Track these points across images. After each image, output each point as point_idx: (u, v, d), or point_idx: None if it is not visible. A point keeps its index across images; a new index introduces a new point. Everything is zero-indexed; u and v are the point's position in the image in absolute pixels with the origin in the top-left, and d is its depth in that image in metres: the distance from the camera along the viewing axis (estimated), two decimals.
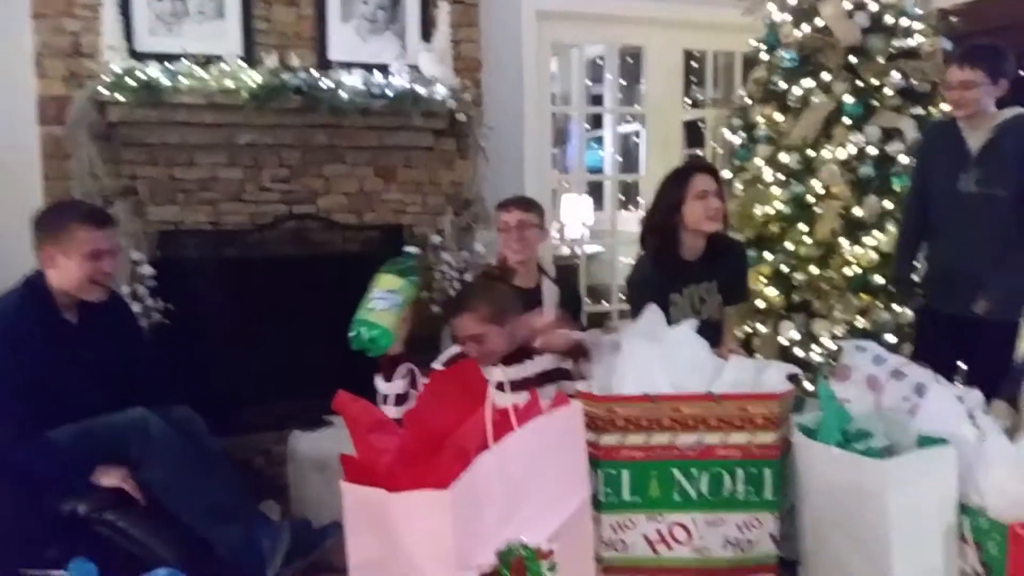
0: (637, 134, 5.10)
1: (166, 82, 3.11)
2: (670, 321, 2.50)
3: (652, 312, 2.41)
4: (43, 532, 2.23)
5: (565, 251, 5.13)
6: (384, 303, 2.11)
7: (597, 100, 5.62)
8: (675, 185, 2.80)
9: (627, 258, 5.26)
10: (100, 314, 2.45)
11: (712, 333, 2.57)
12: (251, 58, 3.37)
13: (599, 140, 5.92)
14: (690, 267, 2.84)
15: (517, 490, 1.55)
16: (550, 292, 3.00)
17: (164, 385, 2.62)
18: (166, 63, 3.16)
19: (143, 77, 3.07)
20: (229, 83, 3.20)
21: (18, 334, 2.27)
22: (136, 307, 2.92)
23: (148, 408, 2.45)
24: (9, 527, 2.19)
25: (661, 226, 2.81)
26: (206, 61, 3.24)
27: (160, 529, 2.24)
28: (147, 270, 3.02)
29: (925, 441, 2.02)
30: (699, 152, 5.00)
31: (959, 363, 3.18)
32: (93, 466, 2.28)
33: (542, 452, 1.68)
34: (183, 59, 3.20)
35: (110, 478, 2.27)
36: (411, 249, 2.32)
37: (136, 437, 2.29)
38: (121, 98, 3.06)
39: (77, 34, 3.18)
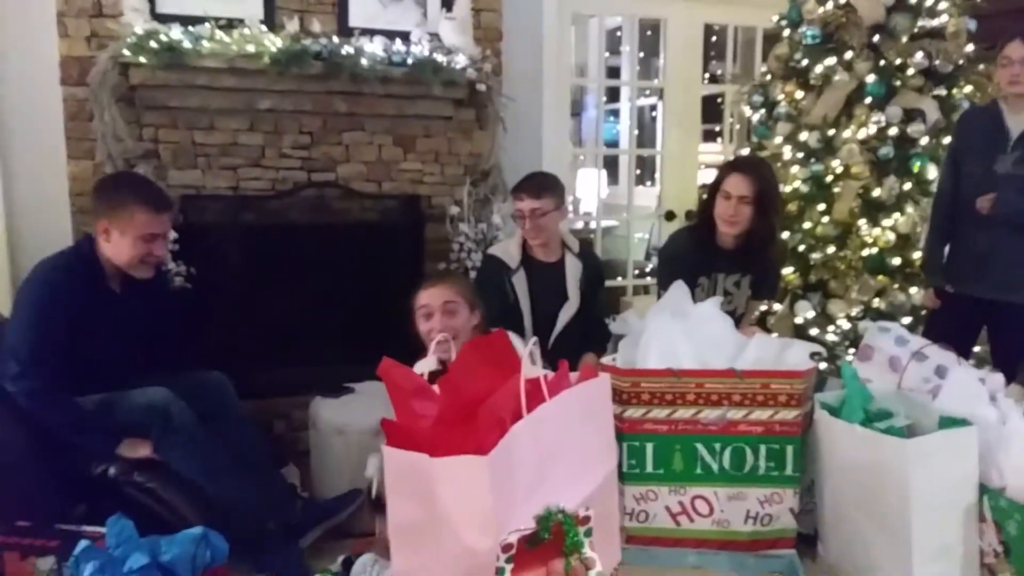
0: (654, 108, 5.08)
1: (188, 45, 3.08)
2: (693, 302, 2.52)
3: (678, 288, 2.43)
4: (73, 490, 2.26)
5: (579, 225, 5.13)
6: None
7: (614, 72, 5.58)
8: (717, 175, 2.87)
9: (642, 233, 5.27)
10: (143, 286, 2.49)
11: (735, 323, 2.59)
12: (272, 23, 3.34)
13: (615, 113, 5.89)
14: (722, 255, 2.87)
15: (549, 458, 1.58)
16: (573, 267, 3.00)
17: (196, 353, 2.66)
18: (188, 26, 3.14)
19: (165, 39, 3.04)
20: (250, 47, 3.17)
21: (62, 295, 2.30)
22: (163, 270, 2.93)
23: (181, 371, 2.49)
24: (42, 483, 2.22)
25: (701, 209, 2.87)
26: (228, 24, 3.21)
27: (186, 492, 2.27)
28: (170, 234, 3.01)
29: (947, 422, 2.05)
30: (716, 128, 4.98)
31: (975, 347, 3.20)
32: (119, 438, 2.32)
33: (572, 422, 1.70)
34: (205, 22, 3.17)
35: (136, 451, 2.32)
36: None
37: (157, 421, 2.32)
38: (143, 60, 3.03)
39: None
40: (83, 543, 1.77)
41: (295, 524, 2.49)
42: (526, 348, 1.65)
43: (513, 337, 2.36)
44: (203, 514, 2.21)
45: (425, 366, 2.40)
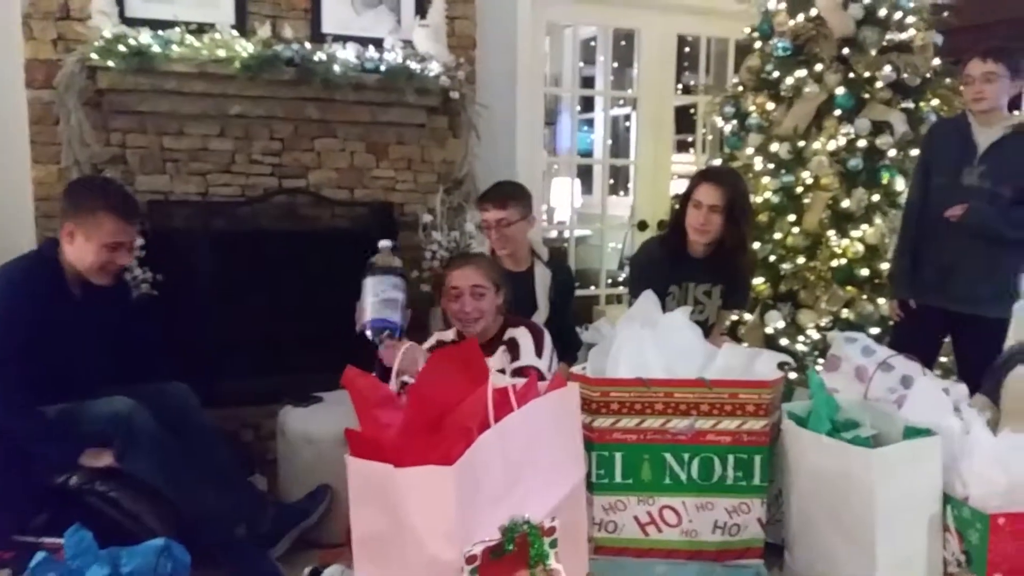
0: (628, 118, 5.10)
1: (157, 49, 3.05)
2: (663, 311, 2.53)
3: (647, 298, 2.44)
4: (33, 500, 2.21)
5: (553, 234, 5.13)
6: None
7: (588, 83, 5.61)
8: (689, 185, 2.90)
9: (616, 243, 5.29)
10: (105, 292, 2.45)
11: (706, 333, 2.61)
12: (243, 28, 3.32)
13: (590, 123, 5.90)
14: (693, 264, 2.88)
15: (516, 468, 1.57)
16: (542, 276, 3.00)
17: (159, 362, 2.62)
18: (157, 30, 3.10)
19: (134, 43, 3.01)
20: (221, 52, 3.14)
21: (22, 303, 2.26)
22: (125, 277, 2.88)
23: (144, 381, 2.45)
24: (1, 494, 2.17)
25: (673, 218, 2.89)
26: (198, 29, 3.18)
27: (151, 501, 2.23)
28: (136, 242, 2.97)
29: (911, 432, 2.07)
30: (689, 139, 5.01)
31: (940, 358, 3.24)
32: (80, 448, 2.28)
33: (540, 432, 1.69)
34: (175, 26, 3.13)
35: (99, 460, 2.27)
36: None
37: (120, 431, 2.28)
38: (111, 64, 3.00)
39: None
40: (40, 555, 1.73)
41: (266, 532, 2.45)
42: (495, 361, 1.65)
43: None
44: (168, 524, 2.17)
45: (443, 335, 2.60)
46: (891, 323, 3.41)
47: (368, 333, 2.20)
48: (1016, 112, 3.09)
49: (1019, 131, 2.91)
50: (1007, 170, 2.88)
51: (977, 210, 2.87)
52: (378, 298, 2.20)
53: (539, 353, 2.42)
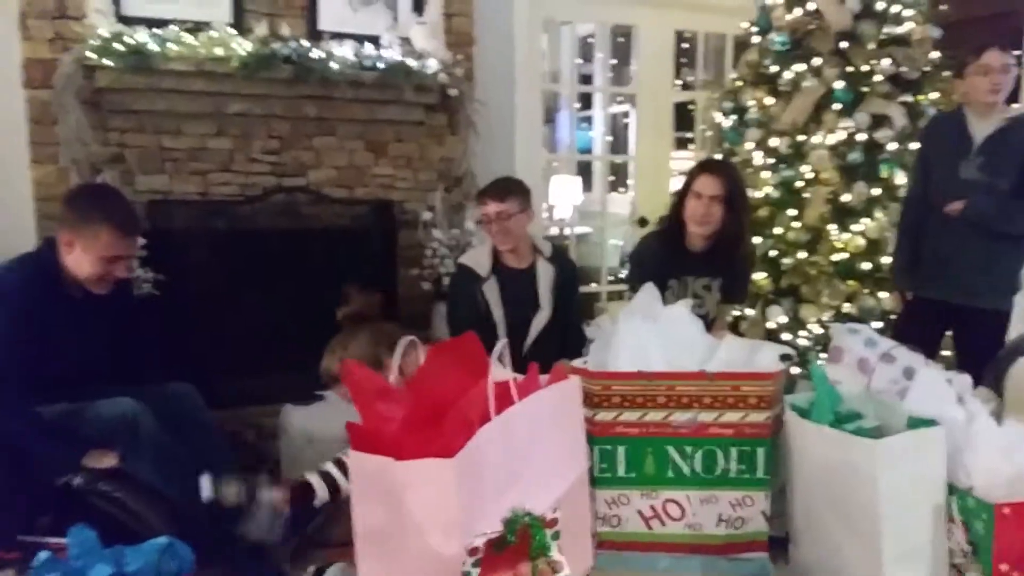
0: (627, 115, 5.10)
1: (155, 48, 3.05)
2: (663, 305, 2.52)
3: (648, 291, 2.43)
4: (36, 501, 2.20)
5: (554, 231, 5.13)
6: None
7: (587, 79, 5.60)
8: (687, 178, 2.89)
9: (616, 240, 5.28)
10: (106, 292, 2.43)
11: (706, 327, 2.59)
12: (241, 26, 3.31)
13: (589, 120, 5.90)
14: (692, 258, 2.88)
15: (517, 461, 1.57)
16: (545, 272, 2.98)
17: (160, 362, 2.61)
18: (154, 28, 3.10)
19: (131, 42, 3.01)
20: (219, 51, 3.14)
21: (19, 304, 2.24)
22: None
23: (146, 381, 2.44)
24: (5, 495, 2.17)
25: (671, 212, 2.88)
26: (195, 27, 3.18)
27: (154, 501, 2.22)
28: (136, 253, 2.96)
29: (915, 422, 2.06)
30: (688, 135, 5.01)
31: (943, 351, 3.23)
32: (84, 449, 2.25)
33: (541, 425, 1.69)
34: (172, 25, 3.13)
35: (102, 461, 2.25)
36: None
37: (123, 433, 2.26)
38: (109, 63, 3.00)
39: None
40: (43, 554, 1.73)
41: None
42: (496, 351, 1.64)
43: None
44: (171, 523, 2.16)
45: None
46: (892, 316, 3.41)
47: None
48: (1015, 104, 3.09)
49: (1015, 123, 2.92)
50: (1004, 162, 2.88)
51: (974, 205, 2.87)
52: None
53: None
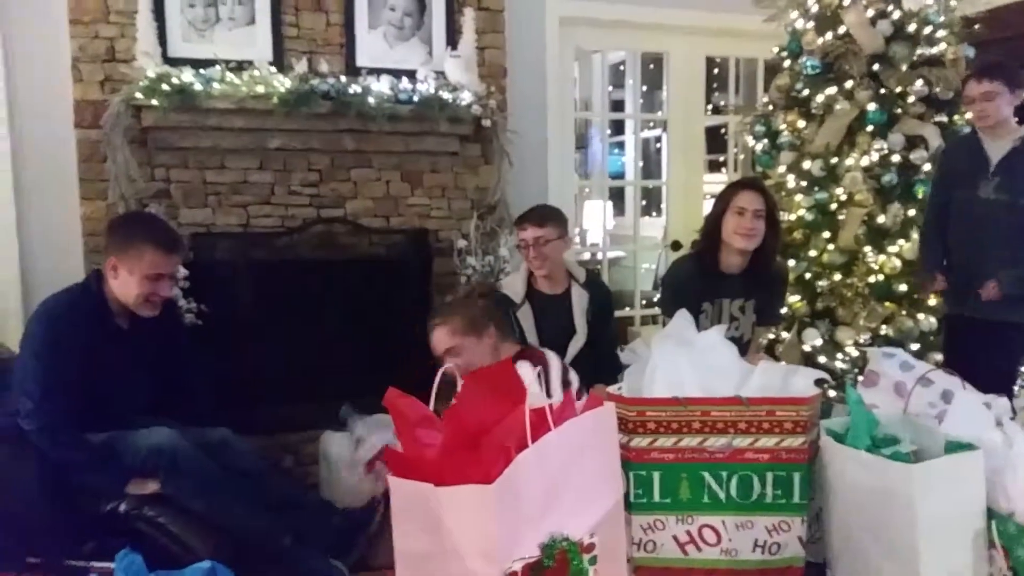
0: (659, 140, 5.14)
1: (199, 87, 3.16)
2: (697, 329, 2.53)
3: (682, 316, 2.44)
4: (82, 526, 2.27)
5: (586, 256, 5.16)
6: None
7: (618, 106, 5.65)
8: (721, 197, 2.90)
9: (649, 264, 5.30)
10: (151, 323, 2.50)
11: (742, 349, 2.60)
12: (281, 64, 3.42)
13: (620, 145, 5.95)
14: (726, 280, 2.88)
15: (554, 487, 1.59)
16: (579, 298, 3.02)
17: (204, 400, 2.67)
18: (199, 69, 3.21)
19: (176, 82, 3.12)
20: (260, 88, 3.24)
21: (67, 332, 2.32)
22: (175, 309, 2.97)
23: (187, 422, 2.49)
24: (51, 520, 2.24)
25: (706, 234, 2.89)
26: (237, 67, 3.29)
27: (197, 525, 2.28)
28: (180, 271, 3.06)
29: (953, 446, 2.04)
30: (720, 158, 5.02)
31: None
32: (127, 477, 2.32)
33: (577, 452, 1.71)
34: (215, 65, 3.24)
35: (145, 488, 2.32)
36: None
37: (163, 462, 2.32)
38: (155, 102, 3.11)
39: (113, 39, 3.24)
40: None
41: (335, 543, 2.47)
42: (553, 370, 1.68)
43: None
44: (214, 547, 2.21)
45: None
46: (931, 337, 3.40)
47: None
48: None
49: None
50: (1021, 181, 2.96)
51: (1006, 282, 2.93)
52: None
53: (546, 388, 2.38)
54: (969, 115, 3.46)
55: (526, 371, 2.29)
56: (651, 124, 5.32)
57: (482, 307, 2.48)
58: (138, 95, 3.10)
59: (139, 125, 3.19)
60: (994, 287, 2.93)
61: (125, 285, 2.40)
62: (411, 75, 3.55)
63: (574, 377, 2.51)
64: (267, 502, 2.46)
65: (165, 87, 3.10)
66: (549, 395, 2.27)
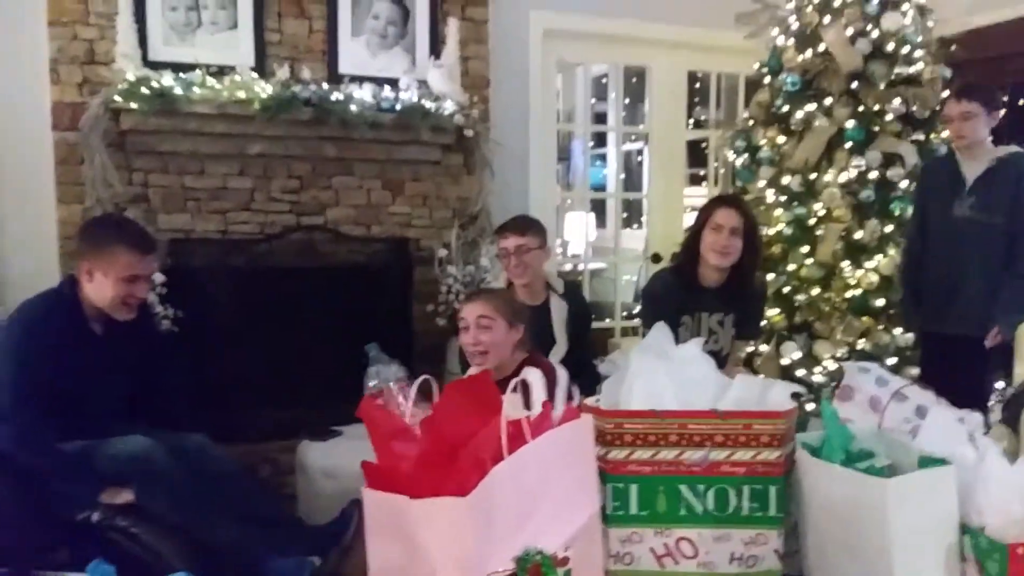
0: (640, 152, 5.16)
1: (179, 91, 3.14)
2: (676, 342, 2.54)
3: (660, 329, 2.45)
4: (54, 535, 2.23)
5: (567, 267, 5.17)
6: None
7: (600, 118, 5.67)
8: (701, 212, 2.91)
9: (630, 276, 5.32)
10: (126, 327, 2.46)
11: (721, 363, 2.61)
12: (263, 70, 3.41)
13: (603, 158, 5.97)
14: (705, 294, 2.89)
15: (530, 500, 1.59)
16: (558, 308, 3.02)
17: (181, 406, 2.64)
18: (179, 73, 3.20)
19: (156, 86, 3.11)
20: (241, 94, 3.23)
21: (42, 338, 2.29)
22: (150, 314, 2.94)
23: (164, 427, 2.46)
24: (21, 529, 2.20)
25: (685, 248, 2.91)
26: (219, 71, 3.27)
27: (171, 536, 2.25)
28: (158, 277, 3.03)
29: (926, 461, 2.06)
30: (701, 172, 5.06)
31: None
32: (100, 486, 2.28)
33: (554, 464, 1.71)
34: (196, 69, 3.23)
35: (118, 498, 2.27)
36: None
37: (138, 471, 2.28)
38: (134, 106, 3.09)
39: (92, 42, 3.22)
40: None
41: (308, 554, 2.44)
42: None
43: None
44: (188, 557, 2.18)
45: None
46: (907, 352, 3.44)
47: None
48: (1007, 146, 3.18)
49: (1004, 162, 3.04)
50: (995, 200, 3.02)
51: (1004, 324, 2.94)
52: None
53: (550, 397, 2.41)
54: (946, 134, 3.53)
55: (535, 377, 2.33)
56: (633, 137, 5.35)
57: (520, 308, 2.61)
58: (117, 98, 3.08)
59: (118, 128, 3.16)
60: (996, 335, 2.97)
61: (100, 288, 2.36)
62: (394, 84, 3.55)
63: (576, 391, 2.51)
64: (242, 512, 2.43)
65: (145, 90, 3.08)
66: (553, 406, 2.33)
